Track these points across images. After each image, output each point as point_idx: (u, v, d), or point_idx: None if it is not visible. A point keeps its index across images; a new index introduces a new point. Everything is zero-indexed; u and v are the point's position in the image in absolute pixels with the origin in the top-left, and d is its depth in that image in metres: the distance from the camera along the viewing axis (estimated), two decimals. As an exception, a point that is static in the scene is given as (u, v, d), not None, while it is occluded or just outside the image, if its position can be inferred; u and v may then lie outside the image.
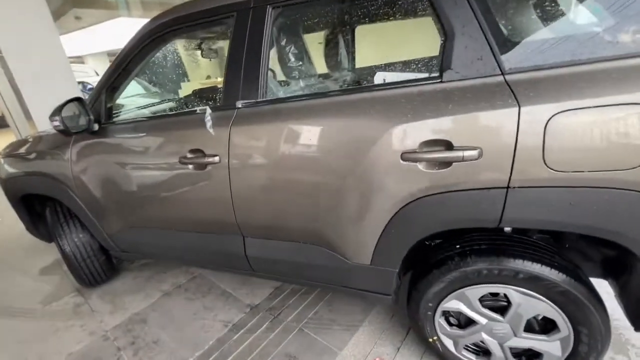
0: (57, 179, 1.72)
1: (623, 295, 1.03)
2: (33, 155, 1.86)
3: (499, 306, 1.13)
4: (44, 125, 3.12)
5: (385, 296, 1.26)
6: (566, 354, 1.08)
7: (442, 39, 0.94)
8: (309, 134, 1.10)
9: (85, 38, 7.85)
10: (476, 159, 0.88)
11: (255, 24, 1.17)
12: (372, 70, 1.08)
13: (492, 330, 1.15)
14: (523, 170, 0.85)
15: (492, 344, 1.17)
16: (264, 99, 1.19)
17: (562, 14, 0.94)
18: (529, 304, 1.05)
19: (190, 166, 1.32)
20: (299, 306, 1.76)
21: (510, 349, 1.16)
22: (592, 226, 0.85)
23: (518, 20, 0.94)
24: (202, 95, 2.17)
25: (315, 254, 1.27)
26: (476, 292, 1.11)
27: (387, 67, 1.06)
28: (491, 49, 0.88)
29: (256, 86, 1.19)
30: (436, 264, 1.14)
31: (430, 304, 1.19)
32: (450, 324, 1.25)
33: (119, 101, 1.63)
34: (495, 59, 0.88)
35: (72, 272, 2.03)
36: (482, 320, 1.15)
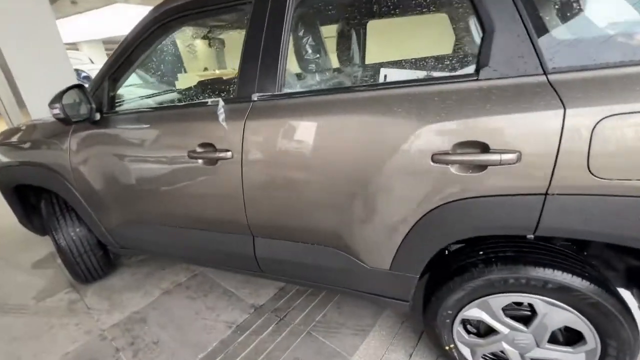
0: (53, 169, 1.63)
1: None
2: (28, 145, 1.76)
3: (522, 315, 1.09)
4: (38, 113, 3.00)
5: (402, 302, 1.21)
6: (591, 367, 1.05)
7: (480, 34, 0.88)
8: (330, 131, 1.03)
9: (80, 24, 7.63)
10: (514, 163, 0.83)
11: (275, 13, 1.10)
12: (400, 64, 1.02)
13: (513, 340, 1.11)
14: (564, 176, 0.80)
15: (513, 355, 1.13)
16: (282, 92, 1.12)
17: (612, 12, 0.89)
18: (556, 314, 1.01)
19: (200, 161, 1.25)
20: (305, 308, 1.71)
21: None
22: (638, 238, 0.80)
23: (564, 16, 0.88)
24: (211, 86, 2.09)
25: (330, 256, 1.21)
26: (500, 301, 1.06)
27: (417, 62, 1.00)
28: (534, 46, 0.83)
29: (274, 79, 1.12)
30: (458, 270, 1.09)
31: (450, 312, 1.15)
32: (467, 332, 1.21)
33: (121, 90, 1.54)
34: (538, 57, 0.82)
35: (67, 267, 1.95)
36: (504, 330, 1.11)
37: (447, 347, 1.23)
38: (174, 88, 2.02)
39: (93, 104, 1.42)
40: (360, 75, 1.08)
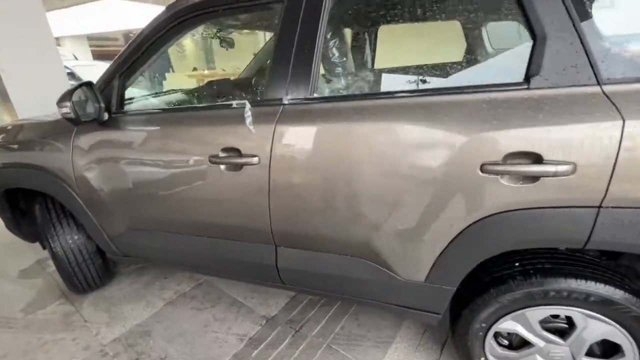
0: (53, 173, 1.51)
1: None
2: (22, 145, 1.63)
3: (559, 328, 1.08)
4: (25, 109, 2.82)
5: (433, 314, 1.17)
6: (628, 380, 1.04)
7: (531, 41, 0.86)
8: (369, 138, 0.99)
9: (64, 19, 7.31)
10: (569, 175, 0.81)
11: (310, 13, 1.05)
12: (444, 69, 0.99)
13: (549, 353, 1.09)
14: (620, 189, 0.79)
15: (547, 368, 1.11)
16: (315, 96, 1.07)
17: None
18: (595, 327, 1.00)
19: (222, 166, 1.18)
20: (321, 319, 1.65)
21: (566, 372, 1.11)
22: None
23: (619, 24, 0.88)
24: (224, 86, 2.01)
25: (359, 267, 1.16)
26: (538, 313, 1.04)
27: (462, 67, 0.98)
28: (587, 56, 0.81)
29: (307, 81, 1.07)
30: (493, 282, 1.07)
31: (484, 324, 1.12)
32: (499, 345, 1.19)
33: (130, 89, 1.45)
34: (592, 67, 0.81)
35: (62, 277, 1.81)
36: (540, 343, 1.09)
37: (477, 360, 1.20)
38: (184, 88, 1.93)
39: (102, 102, 1.33)
40: (401, 79, 1.04)
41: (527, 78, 0.87)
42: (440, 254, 1.02)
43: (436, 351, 1.44)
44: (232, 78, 2.25)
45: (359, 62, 1.15)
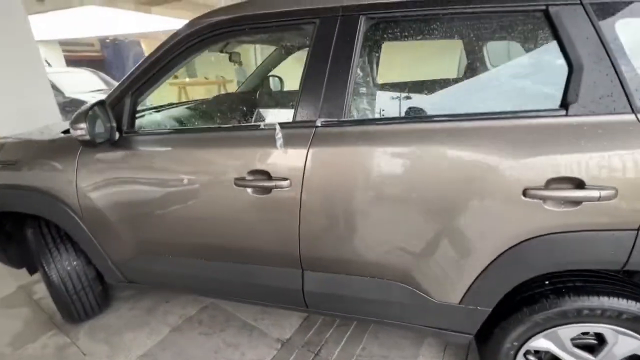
0: (53, 195, 1.40)
1: None
2: (14, 165, 1.50)
3: (588, 344, 1.11)
4: (3, 122, 2.62)
5: (465, 335, 1.17)
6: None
7: (568, 70, 0.89)
8: (407, 162, 0.99)
9: (36, 23, 6.93)
10: (610, 200, 0.84)
11: (344, 35, 1.04)
12: (482, 94, 1.01)
13: (579, 369, 1.12)
14: None
15: (577, 384, 1.14)
16: (350, 119, 1.06)
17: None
18: (626, 343, 1.03)
19: (249, 190, 1.14)
20: (340, 340, 1.61)
21: (595, 388, 1.14)
22: None
23: None
24: (232, 102, 1.95)
25: (391, 290, 1.15)
26: (570, 331, 1.07)
27: (500, 92, 1.00)
28: (622, 86, 0.85)
29: (341, 103, 1.05)
30: (526, 301, 1.08)
31: (515, 343, 1.13)
32: (528, 363, 1.20)
33: (141, 107, 1.38)
34: (627, 96, 0.85)
35: (58, 306, 1.67)
36: (570, 360, 1.11)
37: (507, 379, 1.21)
38: (207, 108, 1.85)
39: (113, 122, 1.25)
40: (436, 103, 1.05)
41: (565, 105, 0.90)
42: (478, 276, 1.03)
43: (460, 368, 1.44)
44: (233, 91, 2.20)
45: (393, 85, 1.15)
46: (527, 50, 0.97)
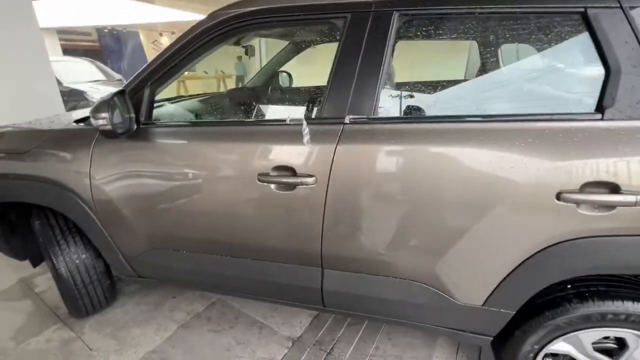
0: (64, 186, 1.36)
1: None
2: (22, 154, 1.46)
3: (608, 348, 1.11)
4: (3, 110, 2.54)
5: (485, 337, 1.17)
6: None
7: (604, 74, 0.89)
8: (438, 162, 0.98)
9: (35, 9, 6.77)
10: (645, 205, 0.84)
11: (376, 31, 1.02)
12: (515, 95, 1.00)
13: (598, 373, 1.12)
14: None
15: (595, 387, 1.14)
16: (379, 117, 1.05)
17: None
18: (646, 347, 1.04)
19: (272, 186, 1.12)
20: (352, 339, 1.60)
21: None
22: None
23: None
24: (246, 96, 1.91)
25: (415, 291, 1.14)
26: (592, 335, 1.07)
27: (534, 94, 0.99)
28: (659, 91, 0.85)
29: (371, 101, 1.04)
30: (548, 304, 1.08)
31: (536, 346, 1.13)
32: (546, 365, 1.21)
33: (159, 97, 1.35)
34: (664, 102, 0.85)
35: (65, 299, 1.64)
36: (590, 364, 1.11)
37: (524, 381, 1.21)
38: (210, 94, 1.81)
39: (133, 113, 1.22)
40: (469, 103, 1.04)
41: (601, 109, 0.89)
42: (504, 278, 1.02)
43: (473, 370, 1.44)
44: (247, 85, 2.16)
45: (424, 83, 1.13)
46: (563, 53, 0.96)
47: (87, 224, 1.40)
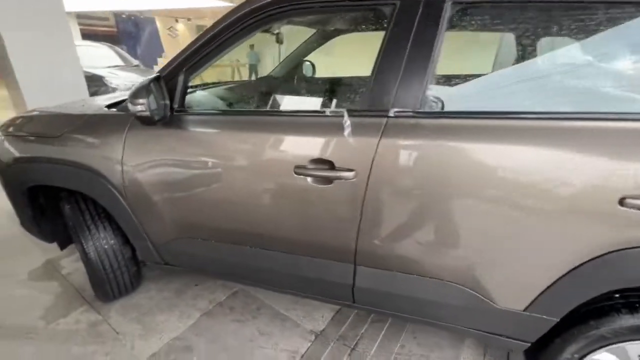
0: (95, 171, 1.36)
1: None
2: (54, 139, 1.46)
3: (654, 361, 1.06)
4: (30, 93, 2.57)
5: (522, 343, 1.13)
6: None
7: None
8: (490, 161, 0.93)
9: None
10: None
11: (427, 19, 0.97)
12: (572, 91, 0.94)
13: (642, 386, 1.07)
14: None
15: (638, 401, 1.10)
16: (426, 110, 1.00)
17: None
18: (699, 362, 0.98)
19: (309, 179, 1.09)
20: (376, 336, 1.58)
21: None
22: None
23: None
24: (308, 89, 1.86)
25: (451, 292, 1.10)
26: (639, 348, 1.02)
27: (592, 90, 0.92)
28: None
29: (418, 94, 0.99)
30: (593, 313, 1.04)
31: (576, 355, 1.09)
32: (584, 375, 1.16)
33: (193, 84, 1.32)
34: None
35: (93, 282, 1.66)
36: (635, 376, 1.07)
37: (560, 389, 1.17)
38: (265, 89, 1.76)
39: (168, 99, 1.19)
40: (528, 99, 0.98)
41: (674, 109, 0.83)
42: (552, 284, 0.98)
43: (502, 374, 1.41)
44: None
45: (476, 77, 1.07)
46: (632, 47, 0.89)
47: (117, 210, 1.40)
